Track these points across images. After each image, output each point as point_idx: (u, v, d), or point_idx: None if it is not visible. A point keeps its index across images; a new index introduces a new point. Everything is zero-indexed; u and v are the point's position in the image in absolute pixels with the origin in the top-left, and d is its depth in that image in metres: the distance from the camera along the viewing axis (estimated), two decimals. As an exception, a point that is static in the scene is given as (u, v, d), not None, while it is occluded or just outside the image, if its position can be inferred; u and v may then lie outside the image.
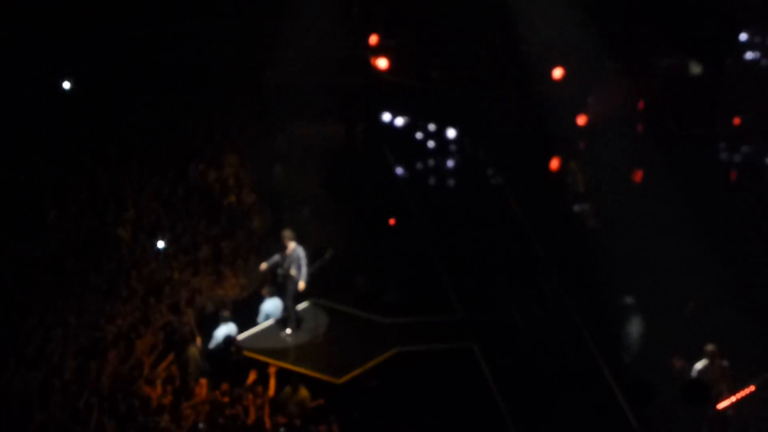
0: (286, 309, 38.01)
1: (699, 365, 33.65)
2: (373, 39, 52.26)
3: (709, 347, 33.68)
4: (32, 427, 30.09)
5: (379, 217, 45.52)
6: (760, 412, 33.57)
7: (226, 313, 37.01)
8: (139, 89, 46.23)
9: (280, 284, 37.92)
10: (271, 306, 37.89)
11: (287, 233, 38.18)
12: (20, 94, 44.97)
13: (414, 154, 47.93)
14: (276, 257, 37.73)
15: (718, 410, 32.80)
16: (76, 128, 43.94)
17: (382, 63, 51.33)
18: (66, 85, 46.12)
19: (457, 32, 53.54)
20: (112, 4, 48.89)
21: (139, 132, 44.38)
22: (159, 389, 33.18)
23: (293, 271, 37.47)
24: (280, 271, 37.68)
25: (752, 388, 32.98)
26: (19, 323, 34.19)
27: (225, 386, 33.83)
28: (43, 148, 42.33)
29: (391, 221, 45.11)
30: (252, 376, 34.80)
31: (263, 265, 38.33)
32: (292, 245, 37.62)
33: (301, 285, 37.53)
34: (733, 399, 32.84)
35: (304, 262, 37.58)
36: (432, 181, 46.55)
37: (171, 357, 34.65)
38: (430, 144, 48.52)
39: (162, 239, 39.72)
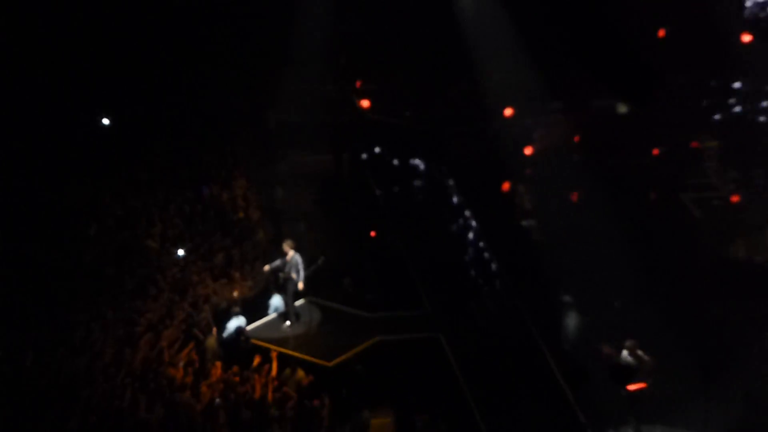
0: (286, 305, 38.44)
1: (623, 354, 34.17)
2: (358, 84, 52.81)
3: (628, 342, 34.18)
4: (78, 403, 30.45)
5: (363, 229, 45.82)
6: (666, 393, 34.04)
7: (236, 309, 37.58)
8: (164, 125, 46.53)
9: (281, 285, 38.37)
10: (276, 302, 38.34)
11: (287, 243, 38.65)
12: (68, 128, 45.24)
13: (391, 178, 48.16)
14: (278, 262, 38.20)
15: (632, 390, 33.29)
16: (113, 157, 44.13)
17: (365, 103, 51.92)
18: (105, 121, 46.42)
19: (426, 78, 53.95)
20: (146, 57, 49.34)
21: (164, 160, 44.69)
22: (181, 371, 33.59)
23: (293, 275, 37.96)
24: (281, 274, 38.16)
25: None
26: (66, 318, 34.62)
27: (236, 368, 34.36)
28: (86, 173, 42.53)
29: (372, 233, 45.40)
30: (257, 360, 35.28)
31: (266, 267, 38.87)
32: (291, 253, 38.09)
33: (300, 285, 38.03)
34: (643, 384, 33.31)
35: (301, 267, 38.04)
36: (405, 200, 46.80)
37: (192, 345, 35.12)
38: (404, 170, 48.73)
39: (183, 248, 40.14)
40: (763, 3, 48.66)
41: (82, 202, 41.06)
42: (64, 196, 41.11)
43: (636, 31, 47.71)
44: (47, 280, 36.54)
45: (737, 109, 52.81)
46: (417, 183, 48.09)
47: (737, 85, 52.81)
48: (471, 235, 43.84)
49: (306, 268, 38.51)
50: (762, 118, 50.96)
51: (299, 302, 38.85)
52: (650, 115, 47.51)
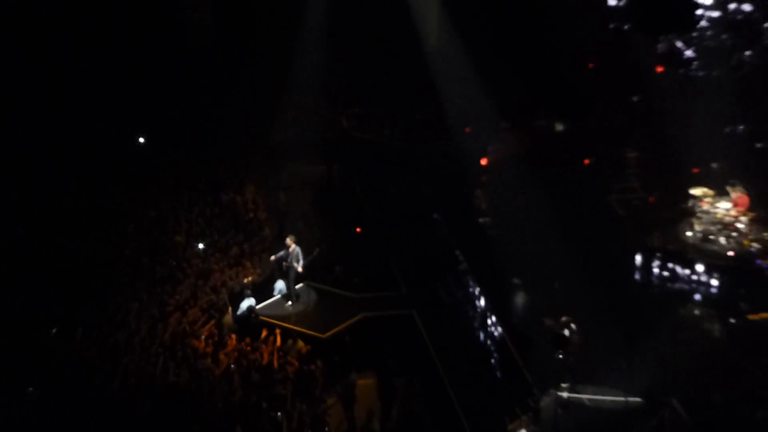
0: (288, 288, 38.36)
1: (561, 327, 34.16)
2: (346, 109, 52.99)
3: (564, 317, 34.17)
4: (119, 368, 30.50)
5: (350, 226, 45.76)
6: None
7: (248, 292, 37.66)
8: (189, 143, 46.66)
9: (284, 272, 38.35)
10: (280, 286, 38.26)
11: (289, 238, 38.69)
12: (112, 146, 45.47)
13: (373, 184, 48.12)
14: (281, 253, 38.23)
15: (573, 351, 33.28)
16: (147, 169, 44.27)
17: (353, 124, 52.09)
18: (141, 140, 46.55)
19: (401, 103, 53.98)
20: (177, 91, 49.73)
21: (188, 171, 44.69)
22: (203, 342, 33.83)
23: (294, 263, 38.00)
24: (284, 263, 38.15)
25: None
26: (109, 300, 34.80)
27: (248, 340, 34.64)
28: (125, 183, 42.68)
29: (358, 229, 45.32)
30: (265, 333, 35.52)
31: (272, 257, 38.88)
32: (292, 246, 38.08)
33: (300, 270, 38.06)
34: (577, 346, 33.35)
35: (300, 256, 38.06)
36: (385, 202, 46.76)
37: (212, 321, 35.31)
38: (384, 177, 48.70)
39: (204, 243, 40.10)
40: (670, 43, 48.67)
41: (122, 205, 41.13)
42: (108, 201, 41.26)
43: (570, 64, 47.89)
44: (94, 268, 36.87)
45: (653, 125, 52.79)
46: (393, 188, 47.95)
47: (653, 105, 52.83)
48: (438, 230, 43.71)
49: (304, 257, 38.49)
50: (672, 132, 50.98)
51: (299, 285, 38.78)
52: (581, 131, 47.46)
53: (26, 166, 42.14)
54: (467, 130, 51.19)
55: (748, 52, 48.70)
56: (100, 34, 49.86)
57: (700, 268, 41.13)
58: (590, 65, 51.59)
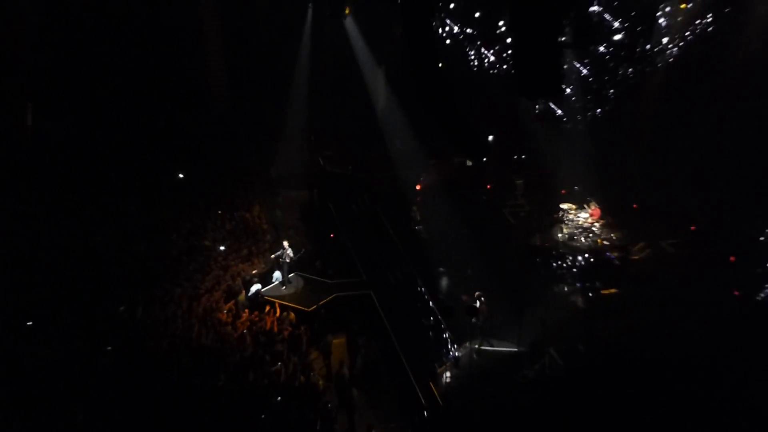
0: (283, 277, 38.33)
1: (474, 300, 34.30)
2: (322, 152, 53.00)
3: (477, 293, 34.37)
4: (167, 334, 30.92)
5: (326, 233, 45.73)
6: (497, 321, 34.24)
7: (255, 280, 37.60)
8: (213, 178, 46.67)
9: (280, 265, 38.29)
10: (277, 275, 38.18)
11: (284, 242, 38.71)
12: (160, 181, 45.85)
13: (342, 204, 48.09)
14: (278, 252, 38.21)
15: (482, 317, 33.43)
16: (185, 195, 44.25)
17: (326, 161, 52.14)
18: (180, 175, 46.70)
19: (360, 147, 54.09)
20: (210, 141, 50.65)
21: (213, 196, 44.64)
22: (225, 315, 33.81)
23: (287, 259, 37.94)
24: (280, 259, 38.11)
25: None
26: (159, 286, 34.90)
27: (256, 313, 34.62)
28: (171, 204, 42.76)
29: (332, 235, 45.27)
30: (267, 308, 35.56)
31: (272, 256, 38.91)
32: (286, 247, 38.13)
33: (290, 260, 38.21)
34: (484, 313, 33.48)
35: (291, 254, 38.09)
36: (351, 216, 46.74)
37: (232, 302, 35.22)
38: (349, 198, 48.70)
39: (225, 246, 40.06)
40: (545, 105, 49.01)
41: (168, 220, 41.14)
42: (158, 217, 41.33)
43: (477, 119, 48.14)
44: (149, 264, 36.87)
45: (534, 161, 53.19)
46: (356, 207, 47.93)
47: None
48: (389, 236, 43.70)
49: (294, 255, 38.53)
50: (547, 166, 51.38)
51: (291, 275, 38.65)
52: (484, 165, 47.72)
53: (107, 193, 42.74)
54: (419, 187, 51.18)
55: (598, 110, 49.22)
56: (150, 101, 51.10)
57: (568, 258, 41.50)
58: (490, 121, 51.87)
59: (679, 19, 48.27)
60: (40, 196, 42.07)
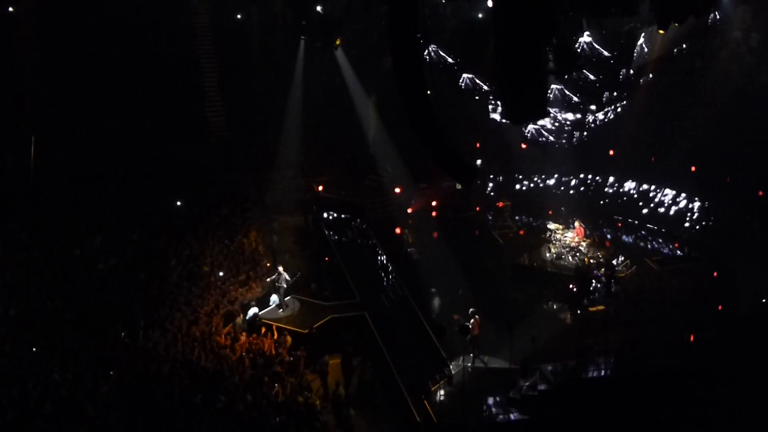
0: (280, 300, 38.11)
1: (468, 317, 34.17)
2: (316, 178, 52.95)
3: (471, 310, 34.20)
4: (169, 356, 30.82)
5: (321, 256, 45.61)
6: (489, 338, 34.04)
7: (253, 303, 37.27)
8: (213, 206, 46.59)
9: (277, 289, 38.10)
10: (274, 298, 37.94)
11: (279, 266, 38.63)
12: (160, 207, 46.46)
13: (336, 227, 48.01)
14: (274, 276, 38.02)
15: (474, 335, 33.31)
16: (184, 223, 44.23)
17: (320, 188, 51.99)
18: (178, 203, 46.79)
19: (353, 173, 54.03)
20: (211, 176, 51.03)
21: (211, 223, 44.53)
22: (224, 338, 33.59)
23: (283, 283, 37.76)
24: (276, 283, 37.93)
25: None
26: (160, 310, 34.93)
27: (254, 335, 34.42)
28: (170, 232, 42.70)
29: (326, 258, 45.14)
30: (264, 330, 35.29)
31: (268, 279, 38.70)
32: (281, 272, 37.99)
33: (287, 283, 38.02)
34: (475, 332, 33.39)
35: (287, 278, 37.92)
36: (345, 240, 46.66)
37: (231, 325, 35.05)
38: (342, 223, 48.63)
39: (223, 271, 39.90)
40: (533, 130, 49.14)
41: (168, 247, 41.13)
42: (159, 244, 41.49)
43: (465, 146, 48.30)
44: (150, 289, 36.96)
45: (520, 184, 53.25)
46: (349, 231, 47.87)
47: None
48: (381, 258, 43.57)
49: (290, 279, 38.37)
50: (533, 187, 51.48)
51: (287, 298, 38.45)
52: (472, 190, 47.70)
53: (109, 222, 43.69)
54: (398, 190, 51.03)
55: (585, 133, 49.28)
56: (151, 133, 52.70)
57: (555, 277, 41.50)
58: (477, 145, 51.91)
59: (658, 44, 48.39)
60: (45, 225, 42.55)
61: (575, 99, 47.59)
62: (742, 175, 46.46)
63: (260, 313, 37.10)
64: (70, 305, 35.26)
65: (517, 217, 50.13)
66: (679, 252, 45.65)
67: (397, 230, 47.77)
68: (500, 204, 50.68)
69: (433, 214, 49.06)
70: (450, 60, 51.26)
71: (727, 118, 46.96)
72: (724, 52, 49.42)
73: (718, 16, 47.85)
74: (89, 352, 31.64)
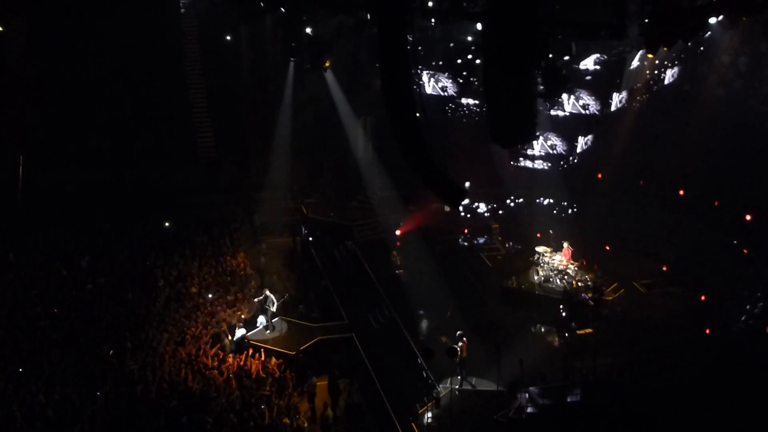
0: (267, 321, 38.10)
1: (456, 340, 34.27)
2: (304, 200, 53.01)
3: (459, 332, 34.31)
4: (156, 377, 30.99)
5: (309, 278, 45.68)
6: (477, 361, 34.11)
7: (240, 324, 37.38)
8: (202, 227, 46.64)
9: (264, 310, 38.10)
10: (261, 320, 37.90)
11: (265, 288, 38.82)
12: (148, 229, 46.51)
13: (324, 249, 48.05)
14: (261, 298, 38.13)
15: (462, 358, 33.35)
16: (172, 243, 44.46)
17: (308, 209, 52.16)
18: (167, 224, 47.09)
19: (341, 196, 54.17)
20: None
21: (200, 244, 44.59)
22: (211, 360, 33.56)
23: (269, 305, 37.80)
24: (263, 305, 37.98)
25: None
26: (147, 331, 34.85)
27: (241, 357, 34.33)
28: (158, 252, 43.09)
29: (322, 281, 45.23)
30: (251, 351, 35.34)
31: (255, 300, 38.83)
32: (267, 293, 38.07)
33: (274, 309, 37.99)
34: (463, 354, 33.44)
35: (274, 300, 37.94)
36: (333, 262, 46.71)
37: (217, 345, 35.08)
38: (331, 244, 48.65)
39: (211, 293, 39.93)
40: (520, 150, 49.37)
41: (157, 268, 41.24)
42: (147, 265, 41.78)
43: (453, 168, 48.45)
44: (138, 309, 37.19)
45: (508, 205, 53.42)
46: (338, 252, 47.94)
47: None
48: (371, 280, 43.58)
49: (277, 301, 38.40)
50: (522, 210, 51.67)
51: (275, 319, 38.45)
52: (458, 211, 47.79)
53: (98, 242, 44.05)
54: (387, 211, 51.15)
55: (571, 157, 49.50)
56: (140, 154, 52.94)
57: (543, 300, 41.64)
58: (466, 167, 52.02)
59: (647, 68, 48.72)
60: (33, 245, 42.56)
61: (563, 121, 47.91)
62: (729, 199, 46.69)
63: (248, 334, 37.21)
64: (58, 325, 35.39)
65: (506, 240, 50.35)
66: (667, 275, 45.75)
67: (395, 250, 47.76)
68: (491, 226, 50.97)
69: (422, 236, 49.02)
70: (440, 82, 51.47)
71: (715, 142, 47.17)
72: (712, 77, 49.77)
73: (706, 41, 48.17)
74: (76, 372, 31.76)
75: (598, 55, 45.74)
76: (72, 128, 51.34)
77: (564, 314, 40.21)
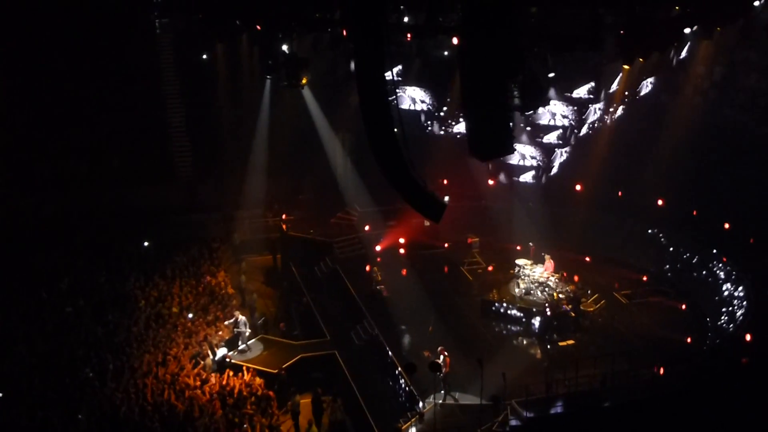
0: (242, 343, 38.25)
1: (438, 355, 34.32)
2: (284, 216, 52.95)
3: (440, 348, 34.35)
4: (138, 396, 31.03)
5: (290, 296, 45.73)
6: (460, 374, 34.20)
7: (221, 344, 37.53)
8: (181, 247, 46.53)
9: (235, 336, 38.34)
10: (222, 352, 37.72)
11: (236, 312, 40.06)
12: (127, 250, 46.02)
13: (305, 266, 48.13)
14: (231, 320, 38.92)
15: (445, 372, 33.41)
16: (151, 264, 44.24)
17: (285, 226, 52.13)
18: (145, 243, 47.05)
19: (320, 212, 54.06)
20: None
21: (180, 264, 44.59)
22: (193, 379, 33.59)
23: (243, 327, 38.09)
24: (235, 328, 38.38)
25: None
26: (128, 352, 34.80)
27: (224, 376, 34.34)
28: (138, 273, 42.89)
29: (296, 298, 45.29)
30: (231, 372, 35.37)
31: (225, 323, 39.52)
32: (238, 316, 38.62)
33: (248, 333, 38.49)
34: (446, 369, 33.50)
35: (245, 322, 38.27)
36: (314, 279, 46.80)
37: (200, 366, 35.11)
38: (312, 261, 48.71)
39: (192, 312, 39.94)
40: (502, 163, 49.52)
41: (137, 288, 41.30)
42: (127, 286, 42.00)
43: (432, 182, 48.47)
44: (119, 332, 37.42)
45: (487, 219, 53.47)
46: (319, 269, 47.97)
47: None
48: (352, 297, 43.56)
49: (251, 323, 39.42)
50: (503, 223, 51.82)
51: (251, 341, 38.71)
52: (440, 226, 47.62)
53: (78, 265, 44.43)
54: (367, 227, 51.12)
55: (551, 170, 49.72)
56: (118, 175, 53.08)
57: (525, 312, 41.68)
58: (446, 182, 52.10)
59: (624, 79, 48.99)
60: (12, 268, 42.44)
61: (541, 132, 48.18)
62: (708, 208, 46.98)
63: (229, 353, 37.19)
64: (38, 348, 35.39)
65: (485, 254, 50.44)
66: (647, 285, 45.98)
67: (368, 267, 47.61)
68: (468, 240, 51.08)
69: (402, 251, 49.01)
70: (418, 97, 51.71)
71: (693, 152, 47.49)
72: (687, 87, 50.07)
73: (681, 52, 48.52)
74: (57, 395, 31.74)
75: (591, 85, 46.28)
76: (49, 150, 51.27)
77: (541, 325, 40.51)
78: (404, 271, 47.47)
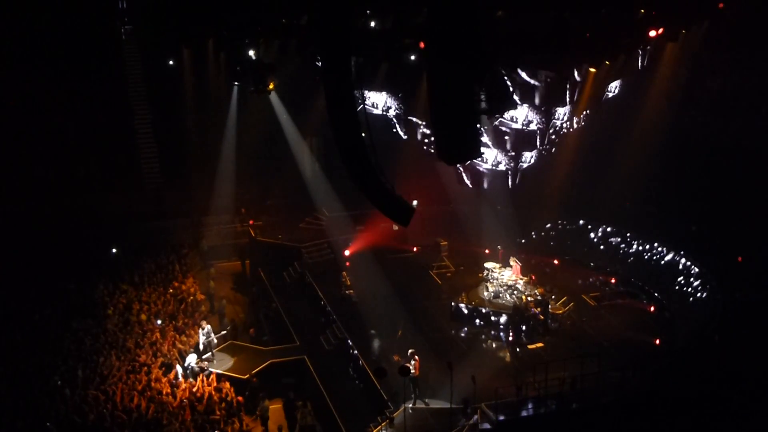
0: (210, 350, 38.27)
1: (408, 359, 34.41)
2: (251, 222, 52.96)
3: (410, 351, 34.46)
4: (109, 402, 31.60)
5: (260, 301, 45.77)
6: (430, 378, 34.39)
7: (190, 351, 37.50)
8: (147, 251, 46.39)
9: (208, 341, 38.42)
10: (191, 359, 37.55)
11: (203, 321, 39.68)
12: (96, 256, 46.33)
13: (274, 272, 48.17)
14: (205, 330, 38.52)
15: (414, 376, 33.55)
16: (119, 272, 44.44)
17: (254, 231, 52.10)
18: (114, 250, 47.06)
19: (289, 216, 54.07)
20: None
21: (148, 271, 44.51)
22: (163, 385, 33.62)
23: (209, 336, 38.08)
24: (204, 337, 38.30)
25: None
26: (95, 360, 34.85)
27: (193, 382, 34.32)
28: (106, 280, 42.82)
29: (266, 303, 45.30)
30: (203, 376, 35.44)
31: (199, 330, 39.12)
32: (204, 326, 38.52)
33: (215, 340, 38.40)
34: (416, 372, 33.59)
35: (210, 332, 38.27)
36: (283, 284, 46.89)
37: (172, 373, 35.05)
38: (280, 266, 48.71)
39: (160, 319, 39.89)
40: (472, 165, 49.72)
41: (104, 296, 41.16)
42: (95, 294, 42.12)
43: (399, 186, 48.53)
44: (86, 339, 37.26)
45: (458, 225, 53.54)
46: (288, 273, 48.00)
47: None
48: (321, 302, 43.62)
49: (218, 330, 39.44)
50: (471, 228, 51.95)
51: (216, 350, 38.73)
52: (409, 230, 47.71)
53: (45, 272, 44.24)
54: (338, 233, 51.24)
55: (518, 173, 49.89)
56: (85, 182, 53.25)
57: (494, 316, 41.85)
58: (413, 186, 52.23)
59: (590, 82, 49.29)
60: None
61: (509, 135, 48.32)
62: (675, 211, 47.46)
63: (199, 359, 37.17)
64: (5, 357, 35.38)
65: (454, 258, 50.62)
66: (616, 288, 46.33)
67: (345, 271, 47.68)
68: (439, 244, 51.26)
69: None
70: (385, 101, 51.76)
71: (659, 154, 47.92)
72: (654, 90, 50.44)
73: (647, 54, 48.91)
74: (26, 403, 31.68)
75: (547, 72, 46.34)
76: (14, 158, 50.94)
77: (509, 328, 40.78)
78: (373, 276, 47.45)
